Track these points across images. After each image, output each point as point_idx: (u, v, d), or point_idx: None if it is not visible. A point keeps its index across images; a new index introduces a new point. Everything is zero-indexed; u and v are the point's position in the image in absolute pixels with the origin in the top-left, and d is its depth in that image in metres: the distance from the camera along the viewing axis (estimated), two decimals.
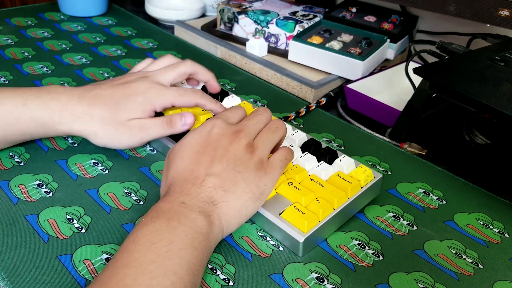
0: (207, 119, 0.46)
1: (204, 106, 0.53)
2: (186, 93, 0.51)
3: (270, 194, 0.44)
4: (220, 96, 0.59)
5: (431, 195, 0.51)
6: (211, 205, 0.38)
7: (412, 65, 0.62)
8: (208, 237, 0.37)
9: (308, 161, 0.47)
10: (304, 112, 0.64)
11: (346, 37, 0.76)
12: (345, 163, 0.47)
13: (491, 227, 0.47)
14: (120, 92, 0.49)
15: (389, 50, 0.77)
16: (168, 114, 0.53)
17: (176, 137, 0.51)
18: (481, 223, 0.47)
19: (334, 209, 0.43)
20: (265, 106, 0.65)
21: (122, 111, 0.48)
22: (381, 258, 0.42)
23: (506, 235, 0.46)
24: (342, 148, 0.58)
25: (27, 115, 0.47)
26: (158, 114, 0.52)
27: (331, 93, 0.69)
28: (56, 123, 0.48)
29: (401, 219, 0.47)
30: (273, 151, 0.45)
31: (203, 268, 0.36)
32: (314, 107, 0.65)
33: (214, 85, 0.58)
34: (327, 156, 0.48)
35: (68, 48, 0.77)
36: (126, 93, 0.49)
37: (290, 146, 0.49)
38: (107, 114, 0.48)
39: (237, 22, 0.83)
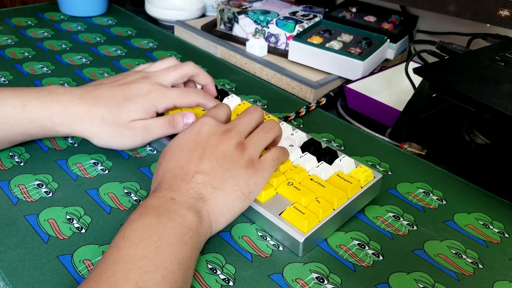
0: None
1: (205, 106, 0.53)
2: (188, 94, 0.51)
3: (271, 194, 0.44)
4: (220, 96, 0.59)
5: (431, 195, 0.51)
6: (200, 201, 0.39)
7: (412, 65, 0.62)
8: (198, 233, 0.37)
9: (308, 161, 0.47)
10: (304, 112, 0.64)
11: (346, 37, 0.76)
12: (345, 163, 0.47)
13: (491, 227, 0.47)
14: (122, 93, 0.49)
15: (389, 50, 0.77)
16: (168, 114, 0.53)
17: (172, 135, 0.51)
18: (481, 223, 0.47)
19: (334, 209, 0.43)
20: (265, 106, 0.65)
21: (124, 113, 0.48)
22: (381, 258, 0.42)
23: (506, 235, 0.46)
24: (342, 148, 0.58)
25: (27, 116, 0.47)
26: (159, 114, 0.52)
27: (331, 93, 0.69)
28: (56, 124, 0.48)
29: (401, 219, 0.47)
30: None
31: (194, 263, 0.36)
32: (314, 107, 0.65)
33: (212, 90, 0.58)
34: (327, 156, 0.48)
35: (68, 48, 0.77)
36: (128, 95, 0.49)
37: (290, 146, 0.49)
38: (108, 116, 0.48)
39: (237, 22, 0.82)
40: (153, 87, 0.50)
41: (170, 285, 0.33)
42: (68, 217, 0.43)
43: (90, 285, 0.32)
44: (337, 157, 0.48)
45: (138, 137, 0.49)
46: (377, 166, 0.55)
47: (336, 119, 0.64)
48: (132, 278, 0.31)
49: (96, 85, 0.51)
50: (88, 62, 0.73)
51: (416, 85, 0.56)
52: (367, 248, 0.43)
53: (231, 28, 0.84)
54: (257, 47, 0.77)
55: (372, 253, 0.42)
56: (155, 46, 0.81)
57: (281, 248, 0.42)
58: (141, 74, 0.52)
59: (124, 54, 0.77)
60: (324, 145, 0.51)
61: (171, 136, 0.52)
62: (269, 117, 0.54)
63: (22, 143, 0.52)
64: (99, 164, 0.51)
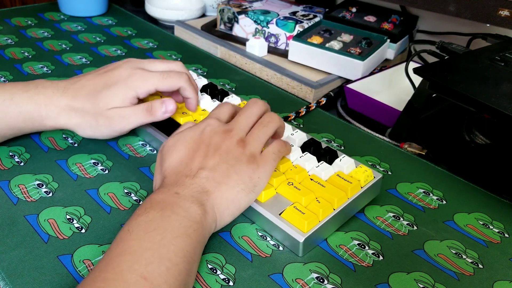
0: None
1: (186, 91, 0.52)
2: (170, 76, 0.50)
3: (271, 194, 0.44)
4: (220, 96, 0.59)
5: (431, 195, 0.51)
6: (204, 194, 0.39)
7: (412, 65, 0.62)
8: (203, 226, 0.37)
9: (308, 161, 0.47)
10: (304, 112, 0.64)
11: (346, 37, 0.76)
12: (345, 163, 0.47)
13: (491, 227, 0.47)
14: (103, 81, 0.49)
15: (389, 50, 0.77)
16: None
17: (172, 133, 0.51)
18: (481, 223, 0.47)
19: (334, 209, 0.43)
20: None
21: (102, 101, 0.48)
22: (381, 258, 0.42)
23: (506, 235, 0.46)
24: (342, 148, 0.58)
25: (15, 109, 0.47)
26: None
27: (331, 93, 0.69)
28: (43, 117, 0.48)
29: (401, 219, 0.47)
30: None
31: (199, 257, 0.37)
32: (314, 107, 0.65)
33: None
34: (327, 156, 0.48)
35: (68, 48, 0.77)
36: (109, 82, 0.49)
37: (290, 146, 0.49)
38: (88, 105, 0.48)
39: (237, 22, 0.82)
40: (135, 71, 0.50)
41: (174, 277, 0.33)
42: (68, 217, 0.43)
43: (96, 275, 0.32)
44: (337, 157, 0.48)
45: (115, 126, 0.49)
46: (377, 166, 0.55)
47: (336, 119, 0.64)
48: (137, 269, 0.32)
49: (81, 76, 0.51)
50: (88, 62, 0.73)
51: (416, 85, 0.56)
52: (367, 248, 0.43)
53: (231, 28, 0.84)
54: (257, 47, 0.77)
55: (372, 253, 0.42)
56: (155, 46, 0.81)
57: (281, 248, 0.42)
58: (126, 60, 0.52)
59: (124, 54, 0.77)
60: (324, 145, 0.51)
61: (168, 133, 0.51)
62: None
63: (22, 143, 0.52)
64: (99, 164, 0.51)
